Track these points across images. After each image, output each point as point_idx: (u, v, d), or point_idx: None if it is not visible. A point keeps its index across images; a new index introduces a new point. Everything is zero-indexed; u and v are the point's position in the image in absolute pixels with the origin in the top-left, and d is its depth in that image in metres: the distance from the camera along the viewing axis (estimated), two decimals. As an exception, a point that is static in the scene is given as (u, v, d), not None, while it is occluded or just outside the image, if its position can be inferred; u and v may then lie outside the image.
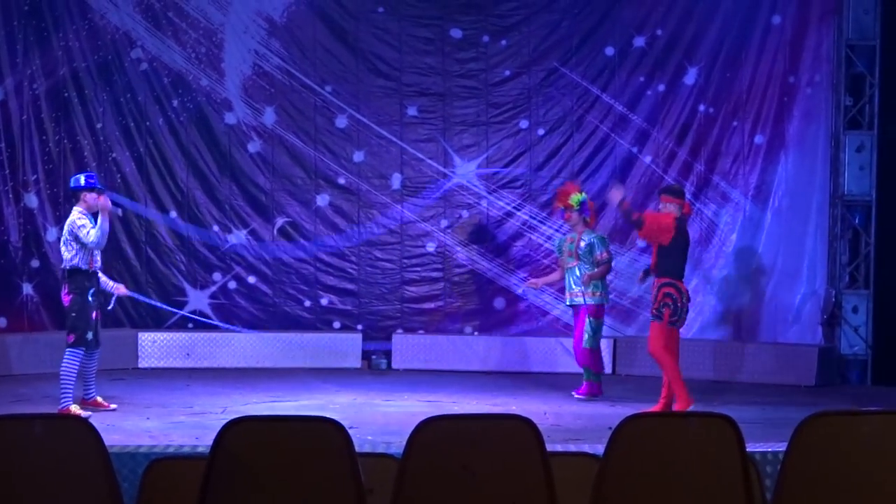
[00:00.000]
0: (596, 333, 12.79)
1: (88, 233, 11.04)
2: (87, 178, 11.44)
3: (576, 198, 12.83)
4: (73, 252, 11.15)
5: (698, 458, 5.15)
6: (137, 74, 15.15)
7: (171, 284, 15.30)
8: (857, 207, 14.75)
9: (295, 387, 13.38)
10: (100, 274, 11.55)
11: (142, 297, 14.13)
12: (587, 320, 12.75)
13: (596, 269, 12.75)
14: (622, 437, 5.12)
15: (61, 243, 11.33)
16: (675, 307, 11.44)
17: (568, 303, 13.08)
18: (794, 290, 14.88)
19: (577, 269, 12.80)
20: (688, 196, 13.27)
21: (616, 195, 11.69)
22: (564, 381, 14.01)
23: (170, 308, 15.03)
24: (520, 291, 13.73)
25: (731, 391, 13.36)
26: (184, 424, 10.84)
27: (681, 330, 11.66)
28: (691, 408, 11.22)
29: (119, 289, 11.99)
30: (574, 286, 12.84)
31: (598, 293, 12.80)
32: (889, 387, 14.02)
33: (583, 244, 12.78)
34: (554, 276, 13.49)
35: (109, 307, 12.07)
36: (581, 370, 12.95)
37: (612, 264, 13.15)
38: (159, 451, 8.60)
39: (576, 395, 12.74)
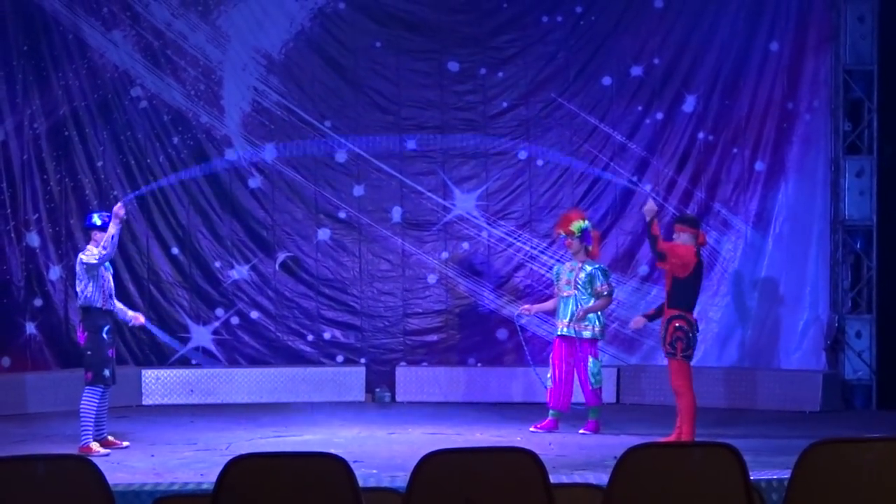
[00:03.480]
0: (600, 371, 12.65)
1: (93, 253, 11.14)
2: (101, 216, 11.55)
3: (578, 225, 12.64)
4: (84, 287, 11.24)
5: (702, 487, 5.15)
6: (137, 112, 15.18)
7: (173, 321, 15.30)
8: (858, 232, 14.77)
9: (299, 421, 13.37)
10: (117, 303, 11.63)
11: (155, 330, 14.17)
12: (590, 361, 12.56)
13: (593, 302, 12.55)
14: (626, 468, 5.13)
15: (76, 281, 11.39)
16: (686, 340, 11.43)
17: (558, 332, 12.74)
18: (796, 316, 14.87)
19: (572, 298, 12.60)
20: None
21: (650, 211, 11.65)
22: (570, 411, 13.99)
23: (172, 342, 15.06)
24: (516, 315, 13.58)
25: (735, 418, 13.34)
26: (188, 461, 10.83)
27: (684, 358, 11.64)
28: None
29: (137, 319, 12.03)
30: (567, 316, 12.64)
31: (593, 328, 12.58)
32: (894, 411, 14.00)
33: (583, 274, 12.57)
34: (549, 305, 13.24)
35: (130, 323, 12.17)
36: (549, 407, 12.81)
37: (614, 296, 12.95)
38: (164, 488, 8.62)
39: (582, 432, 12.52)
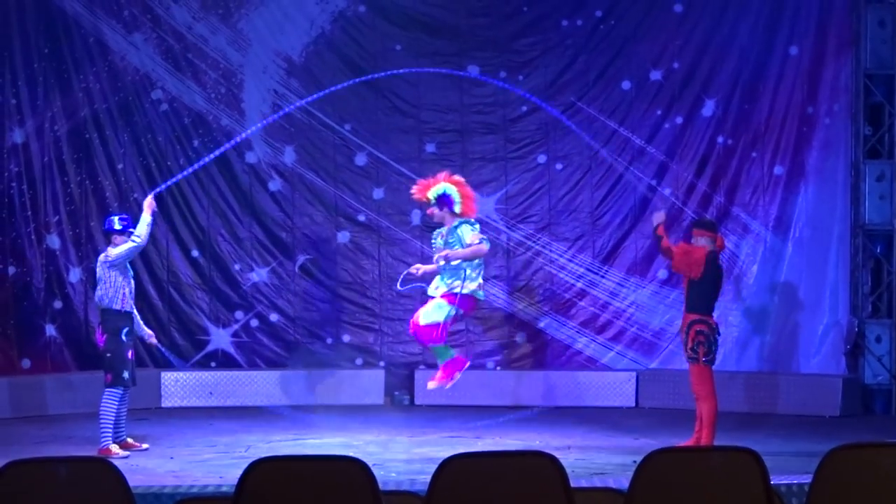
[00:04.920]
0: (442, 312, 11.46)
1: (125, 245, 11.26)
2: (121, 220, 11.61)
3: (433, 191, 11.58)
4: (104, 290, 11.29)
5: (723, 492, 5.15)
6: (158, 115, 15.23)
7: (193, 323, 15.34)
8: (878, 236, 14.73)
9: (318, 424, 13.38)
10: (136, 314, 11.67)
11: (164, 351, 14.24)
12: (437, 300, 11.49)
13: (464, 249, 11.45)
14: (647, 472, 5.12)
15: (100, 283, 11.39)
16: (707, 344, 11.39)
17: (430, 292, 11.74)
18: (816, 321, 14.84)
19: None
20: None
21: (657, 218, 11.77)
22: (588, 414, 14.00)
23: (181, 359, 15.08)
24: (398, 286, 12.36)
25: (755, 422, 13.31)
26: (208, 463, 10.87)
27: (704, 362, 11.60)
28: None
29: (152, 338, 12.05)
30: (442, 281, 11.57)
31: (462, 284, 11.45)
32: (914, 416, 14.00)
33: (451, 237, 11.55)
34: (434, 267, 11.99)
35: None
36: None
37: (486, 247, 11.66)
38: (183, 491, 8.65)
39: (431, 383, 11.79)
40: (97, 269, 11.48)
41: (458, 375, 11.64)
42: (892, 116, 14.64)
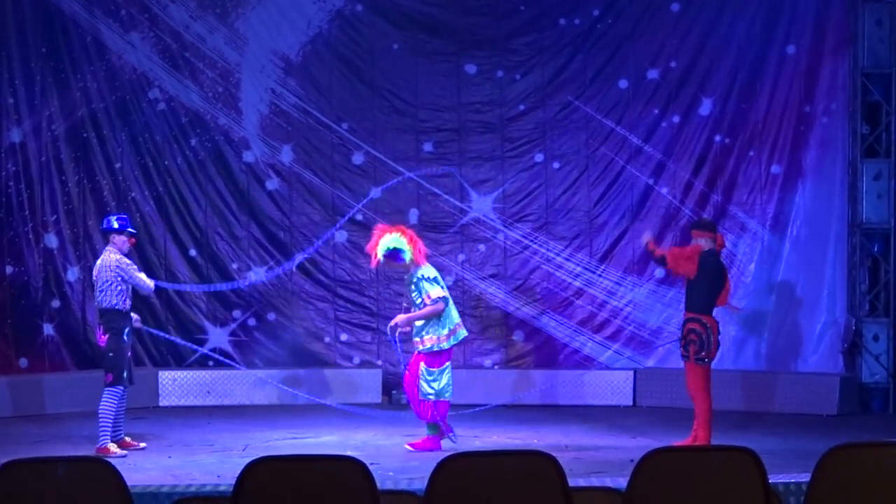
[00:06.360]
0: (434, 381, 11.53)
1: (144, 280, 11.45)
2: (118, 219, 11.61)
3: (381, 250, 11.49)
4: (116, 293, 11.24)
5: (721, 491, 5.15)
6: (155, 114, 15.23)
7: (191, 322, 15.34)
8: (875, 235, 14.74)
9: (315, 423, 13.37)
10: None
11: (161, 334, 14.16)
12: (421, 366, 11.52)
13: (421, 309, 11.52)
14: (645, 471, 5.13)
15: (104, 284, 11.33)
16: (700, 343, 11.37)
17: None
18: (813, 319, 14.85)
19: (411, 312, 11.67)
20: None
21: (645, 237, 12.01)
22: (585, 413, 14.00)
23: (189, 345, 15.00)
24: (389, 326, 11.87)
25: (753, 421, 13.32)
26: (205, 463, 10.86)
27: (702, 361, 11.59)
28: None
29: (137, 321, 12.00)
30: (416, 326, 11.62)
31: (423, 341, 11.54)
32: (911, 415, 14.00)
33: (411, 286, 11.60)
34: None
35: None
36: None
37: (443, 305, 11.53)
38: (181, 490, 8.64)
39: (407, 447, 11.62)
40: (106, 272, 11.34)
41: (427, 451, 11.41)
42: (889, 115, 14.65)
